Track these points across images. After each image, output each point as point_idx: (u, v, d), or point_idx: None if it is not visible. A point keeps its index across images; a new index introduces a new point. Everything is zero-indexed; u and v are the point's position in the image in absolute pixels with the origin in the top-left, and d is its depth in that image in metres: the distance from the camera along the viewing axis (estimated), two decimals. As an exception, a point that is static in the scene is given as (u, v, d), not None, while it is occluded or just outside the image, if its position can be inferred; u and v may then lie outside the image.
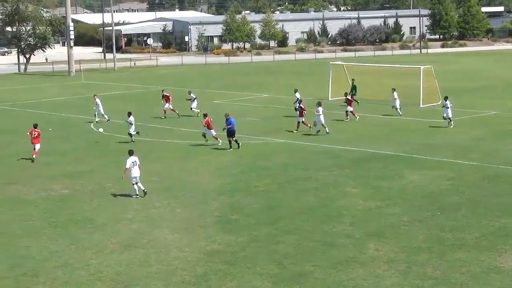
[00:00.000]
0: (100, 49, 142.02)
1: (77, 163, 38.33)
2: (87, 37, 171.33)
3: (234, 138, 41.11)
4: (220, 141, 41.69)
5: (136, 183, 30.82)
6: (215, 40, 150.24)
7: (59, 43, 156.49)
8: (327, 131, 44.91)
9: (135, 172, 30.76)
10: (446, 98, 47.48)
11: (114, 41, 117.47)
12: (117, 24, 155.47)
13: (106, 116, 52.36)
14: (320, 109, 45.01)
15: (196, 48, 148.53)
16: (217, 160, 38.50)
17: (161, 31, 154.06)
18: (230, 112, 43.66)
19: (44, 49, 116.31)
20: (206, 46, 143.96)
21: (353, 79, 58.71)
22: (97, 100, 52.71)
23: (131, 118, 43.95)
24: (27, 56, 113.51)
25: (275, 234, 25.36)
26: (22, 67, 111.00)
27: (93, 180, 34.08)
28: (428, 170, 34.85)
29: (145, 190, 30.98)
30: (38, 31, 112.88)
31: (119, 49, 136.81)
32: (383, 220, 26.94)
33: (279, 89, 71.76)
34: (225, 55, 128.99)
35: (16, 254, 23.76)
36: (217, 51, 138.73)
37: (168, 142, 44.21)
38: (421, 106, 55.75)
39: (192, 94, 54.78)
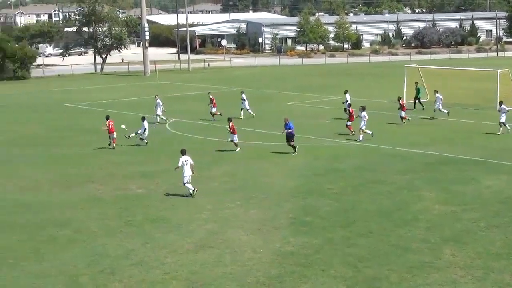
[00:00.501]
0: (174, 50, 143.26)
1: (152, 163, 38.74)
2: (161, 38, 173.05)
3: (292, 143, 40.39)
4: (239, 148, 41.15)
5: (184, 183, 31.11)
6: (289, 42, 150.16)
7: (135, 43, 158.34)
8: (370, 133, 44.22)
9: (187, 171, 31.04)
10: (501, 103, 46.93)
11: (188, 42, 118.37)
12: (192, 25, 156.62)
13: (164, 117, 52.79)
14: (365, 113, 44.46)
15: (270, 49, 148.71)
16: (291, 161, 38.48)
17: (235, 32, 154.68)
18: (301, 114, 43.66)
19: (120, 50, 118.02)
20: (279, 47, 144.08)
21: (416, 83, 57.98)
22: (158, 100, 53.17)
23: (145, 123, 43.75)
24: (103, 56, 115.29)
25: (349, 237, 25.24)
26: (99, 67, 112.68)
27: (168, 180, 34.36)
28: (505, 175, 34.26)
29: (193, 194, 31.09)
30: (114, 31, 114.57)
31: (193, 50, 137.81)
32: (459, 225, 26.58)
33: (352, 91, 71.27)
34: (298, 57, 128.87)
35: (93, 251, 24.12)
36: (291, 52, 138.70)
37: (241, 143, 44.30)
38: (497, 110, 54.79)
39: (243, 95, 54.57)
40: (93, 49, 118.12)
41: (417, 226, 26.38)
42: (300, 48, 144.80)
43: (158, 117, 52.51)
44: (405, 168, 36.07)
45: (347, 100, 51.88)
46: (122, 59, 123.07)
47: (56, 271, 22.25)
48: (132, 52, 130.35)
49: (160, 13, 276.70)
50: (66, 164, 38.94)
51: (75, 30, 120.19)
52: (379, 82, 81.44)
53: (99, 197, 31.56)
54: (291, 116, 45.30)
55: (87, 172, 36.80)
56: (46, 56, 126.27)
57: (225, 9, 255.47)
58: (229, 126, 41.14)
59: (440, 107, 52.40)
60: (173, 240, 25.22)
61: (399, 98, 51.29)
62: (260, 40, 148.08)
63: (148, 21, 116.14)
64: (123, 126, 45.12)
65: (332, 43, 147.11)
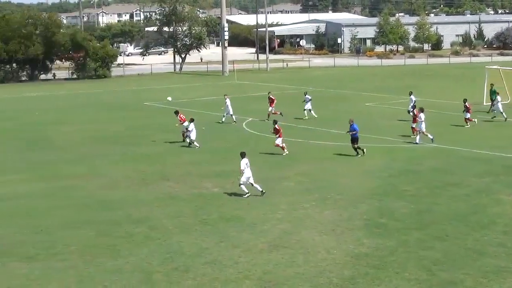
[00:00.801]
0: (253, 49, 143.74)
1: (228, 162, 38.87)
2: (241, 37, 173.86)
3: (356, 145, 39.84)
4: (286, 152, 40.60)
5: (252, 184, 31.23)
6: (368, 42, 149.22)
7: (214, 43, 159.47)
8: (431, 137, 43.23)
9: (248, 173, 31.22)
10: None
11: (267, 42, 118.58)
12: (271, 25, 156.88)
13: (234, 117, 52.95)
14: (422, 115, 43.57)
15: (349, 50, 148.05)
16: (367, 162, 38.21)
17: (314, 32, 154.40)
18: (378, 115, 43.23)
19: (199, 49, 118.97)
20: (358, 48, 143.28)
21: (492, 84, 56.91)
22: (227, 100, 53.33)
23: (192, 125, 43.73)
24: (183, 55, 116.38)
25: (425, 240, 24.92)
26: (178, 66, 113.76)
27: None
28: None
29: (263, 191, 31.32)
30: (193, 31, 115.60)
31: (272, 50, 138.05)
32: (538, 230, 26.03)
33: (431, 92, 70.51)
34: (377, 58, 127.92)
35: (168, 249, 24.33)
36: (370, 53, 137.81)
37: (318, 143, 44.24)
38: None
39: (307, 96, 54.38)
40: (172, 49, 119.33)
41: (494, 230, 25.91)
42: (379, 49, 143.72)
43: (233, 117, 52.76)
44: (483, 171, 35.47)
45: (413, 102, 51.20)
46: (201, 59, 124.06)
47: (131, 268, 22.53)
48: (211, 52, 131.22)
49: (240, 13, 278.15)
50: (143, 162, 39.41)
51: (156, 29, 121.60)
52: (459, 83, 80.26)
53: (175, 195, 31.84)
54: (369, 117, 45.12)
55: (164, 170, 37.18)
56: (127, 56, 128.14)
57: (305, 9, 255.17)
58: (274, 129, 40.83)
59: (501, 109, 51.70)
60: (247, 239, 25.28)
61: (465, 100, 50.34)
62: (339, 40, 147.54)
63: (228, 21, 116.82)
64: (169, 99, 44.89)
65: (412, 44, 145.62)
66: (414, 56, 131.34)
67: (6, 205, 30.62)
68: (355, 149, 39.89)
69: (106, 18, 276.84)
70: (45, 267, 22.76)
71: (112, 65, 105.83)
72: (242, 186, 31.43)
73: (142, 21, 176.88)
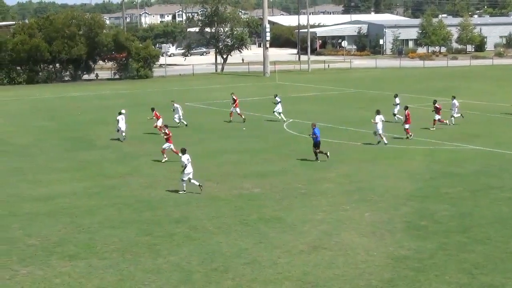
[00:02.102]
0: (294, 50, 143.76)
1: (268, 163, 38.93)
2: (282, 38, 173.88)
3: (317, 150, 39.14)
4: (166, 158, 40.09)
5: (190, 180, 32.13)
6: (410, 44, 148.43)
7: (255, 44, 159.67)
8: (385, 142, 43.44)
9: (190, 168, 32.04)
10: None
11: (309, 43, 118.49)
12: (313, 26, 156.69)
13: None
14: (378, 117, 43.33)
15: (391, 51, 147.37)
16: (407, 164, 38.01)
17: (355, 33, 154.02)
18: (420, 117, 42.88)
19: (241, 50, 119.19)
20: (400, 49, 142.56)
21: None
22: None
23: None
24: (224, 56, 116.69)
25: (466, 243, 24.72)
26: (219, 67, 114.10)
27: (284, 180, 34.50)
28: None
29: (201, 185, 32.28)
30: (235, 32, 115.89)
31: (313, 51, 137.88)
32: None
33: (474, 94, 69.98)
34: (420, 59, 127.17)
35: (207, 249, 24.40)
36: (412, 54, 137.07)
37: (359, 144, 44.09)
38: None
39: (277, 98, 54.60)
40: (214, 49, 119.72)
41: (537, 234, 25.63)
42: (421, 50, 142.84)
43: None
44: (527, 174, 35.12)
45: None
46: (243, 60, 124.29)
47: (170, 267, 22.63)
48: (252, 53, 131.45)
49: (282, 14, 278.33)
50: (184, 162, 39.54)
51: (198, 30, 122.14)
52: (502, 85, 79.48)
53: (215, 196, 31.92)
54: (411, 119, 44.83)
55: (204, 170, 37.25)
56: (169, 56, 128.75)
57: (347, 10, 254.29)
58: (165, 132, 40.49)
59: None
60: (287, 240, 25.27)
61: (434, 102, 49.97)
62: (381, 41, 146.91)
63: (270, 22, 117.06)
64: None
65: (455, 45, 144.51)
66: (457, 57, 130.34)
67: (50, 204, 30.92)
68: (316, 153, 39.23)
69: (149, 19, 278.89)
70: (86, 265, 22.97)
71: (154, 65, 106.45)
72: (183, 182, 32.31)
73: (184, 22, 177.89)
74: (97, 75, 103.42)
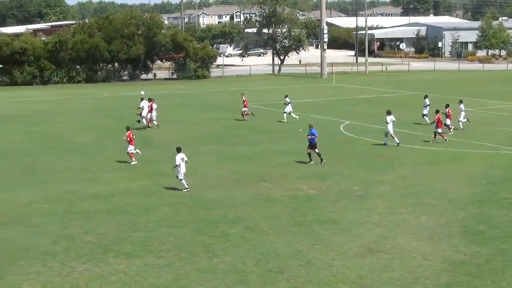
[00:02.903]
0: (352, 52, 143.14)
1: (325, 165, 38.77)
2: (340, 40, 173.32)
3: (309, 150, 38.88)
4: (134, 162, 39.91)
5: (181, 180, 32.78)
6: (469, 47, 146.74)
7: (313, 45, 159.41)
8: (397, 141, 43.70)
9: (183, 168, 32.76)
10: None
11: (366, 44, 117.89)
12: (371, 28, 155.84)
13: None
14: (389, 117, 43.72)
15: (449, 54, 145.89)
16: (465, 168, 37.57)
17: (414, 36, 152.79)
18: (479, 120, 42.34)
19: (298, 51, 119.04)
20: (459, 52, 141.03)
21: None
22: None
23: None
24: (282, 57, 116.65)
25: (524, 249, 24.37)
26: (276, 68, 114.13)
27: (340, 182, 34.38)
28: None
29: (189, 189, 32.70)
30: (293, 33, 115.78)
31: (371, 53, 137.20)
32: None
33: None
34: (479, 62, 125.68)
35: (262, 250, 24.40)
36: (471, 57, 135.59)
37: (416, 147, 43.72)
38: None
39: (287, 99, 55.59)
40: (271, 50, 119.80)
41: None
42: (481, 53, 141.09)
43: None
44: None
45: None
46: (300, 61, 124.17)
47: (225, 267, 22.69)
48: (310, 54, 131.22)
49: (340, 16, 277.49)
50: (239, 163, 39.65)
51: (255, 31, 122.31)
52: None
53: (271, 197, 31.92)
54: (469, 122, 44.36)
55: (260, 171, 37.34)
56: (226, 56, 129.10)
57: (405, 13, 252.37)
58: (126, 135, 40.21)
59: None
60: (342, 242, 25.17)
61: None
62: (439, 44, 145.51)
63: (327, 24, 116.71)
64: (142, 92, 45.71)
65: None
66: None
67: (108, 202, 31.24)
68: (309, 154, 38.98)
69: (207, 19, 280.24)
70: (141, 263, 23.15)
71: (212, 66, 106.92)
72: (182, 181, 32.92)
73: (242, 23, 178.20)
74: (155, 75, 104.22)
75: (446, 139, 44.95)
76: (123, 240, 25.67)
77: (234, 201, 31.19)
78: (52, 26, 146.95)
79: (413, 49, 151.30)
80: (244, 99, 57.14)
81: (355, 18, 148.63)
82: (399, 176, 35.71)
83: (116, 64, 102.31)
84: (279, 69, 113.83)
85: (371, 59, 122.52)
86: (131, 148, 40.04)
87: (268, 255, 23.79)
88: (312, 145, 38.93)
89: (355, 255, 23.81)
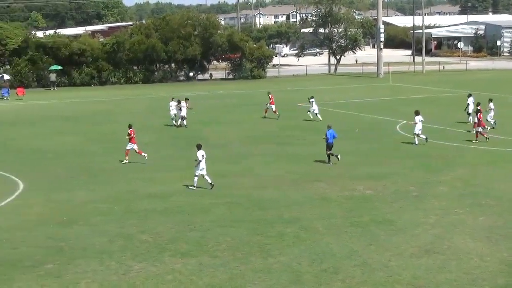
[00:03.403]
0: (409, 51, 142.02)
1: (381, 165, 38.61)
2: (397, 39, 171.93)
3: (328, 152, 38.86)
4: (126, 160, 40.45)
5: (203, 176, 33.40)
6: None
7: (369, 45, 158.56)
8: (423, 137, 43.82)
9: (203, 164, 33.25)
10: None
11: (424, 44, 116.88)
12: (428, 27, 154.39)
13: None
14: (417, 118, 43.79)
15: (509, 52, 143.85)
16: (525, 169, 37.08)
17: (472, 34, 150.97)
18: None
19: (354, 51, 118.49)
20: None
21: None
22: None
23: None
24: (338, 57, 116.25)
25: None
26: (332, 68, 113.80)
27: (397, 182, 34.15)
28: None
29: (212, 183, 33.39)
30: (349, 33, 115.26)
31: (428, 52, 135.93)
32: None
33: None
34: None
35: (317, 250, 24.34)
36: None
37: (475, 147, 43.25)
38: None
39: (312, 100, 57.07)
40: (328, 50, 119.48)
41: None
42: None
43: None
44: None
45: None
46: (356, 60, 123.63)
47: (280, 267, 22.68)
48: (366, 54, 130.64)
49: (396, 15, 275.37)
50: (296, 163, 39.63)
51: (311, 31, 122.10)
52: None
53: (326, 197, 31.85)
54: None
55: (316, 171, 37.27)
56: (282, 56, 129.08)
57: (463, 11, 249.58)
58: (128, 133, 40.76)
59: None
60: (398, 243, 24.99)
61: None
62: (498, 43, 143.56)
63: (384, 23, 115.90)
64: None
65: None
66: None
67: (164, 201, 31.48)
68: (328, 156, 38.97)
69: (263, 19, 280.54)
70: (197, 263, 23.27)
71: (267, 66, 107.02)
72: (195, 177, 33.47)
73: (298, 23, 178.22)
74: (211, 75, 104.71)
75: (487, 138, 44.49)
76: (179, 239, 25.83)
77: (290, 201, 31.19)
78: (109, 27, 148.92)
79: (471, 48, 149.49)
80: (271, 97, 58.74)
81: (412, 17, 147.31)
82: (456, 176, 35.34)
83: (172, 65, 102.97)
84: (335, 69, 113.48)
85: (428, 59, 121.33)
86: (131, 146, 40.66)
87: (323, 255, 23.73)
88: (328, 145, 38.99)
89: (411, 255, 23.63)
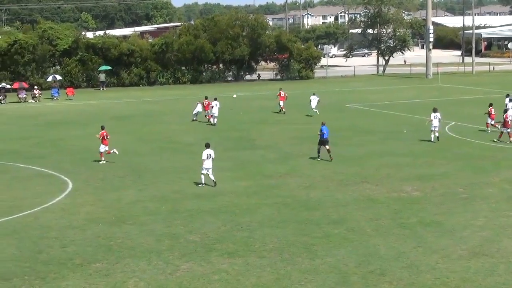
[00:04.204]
0: (458, 52, 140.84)
1: (429, 166, 38.34)
2: (446, 40, 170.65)
3: (327, 147, 40.28)
4: (103, 161, 40.99)
5: (209, 175, 34.24)
6: None
7: (418, 45, 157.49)
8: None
9: (208, 164, 34.00)
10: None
11: (473, 44, 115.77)
12: (478, 27, 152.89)
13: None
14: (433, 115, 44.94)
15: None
16: None
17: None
18: None
19: (403, 52, 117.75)
20: None
21: None
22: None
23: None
24: (386, 58, 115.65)
25: None
26: (381, 68, 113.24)
27: (445, 184, 33.88)
28: None
29: (215, 181, 34.16)
30: (398, 33, 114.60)
31: (478, 53, 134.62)
32: None
33: None
34: None
35: (364, 251, 24.25)
36: None
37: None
38: None
39: (314, 95, 60.74)
40: (376, 51, 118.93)
41: None
42: None
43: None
44: None
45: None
46: (405, 61, 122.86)
47: (327, 268, 22.64)
48: (415, 54, 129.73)
49: (446, 15, 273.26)
50: (343, 163, 39.50)
51: (360, 31, 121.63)
52: None
53: (373, 198, 31.71)
54: None
55: (363, 172, 37.11)
56: (330, 57, 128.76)
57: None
58: (99, 134, 41.36)
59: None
60: (446, 245, 24.78)
61: (490, 104, 47.88)
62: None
63: (433, 23, 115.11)
64: (234, 96, 47.45)
65: None
66: None
67: (211, 201, 31.59)
68: (318, 150, 40.71)
69: (311, 20, 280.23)
70: (244, 263, 23.32)
71: (316, 66, 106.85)
72: (202, 176, 34.36)
73: (346, 23, 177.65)
74: (259, 76, 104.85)
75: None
76: (226, 239, 25.91)
77: (337, 202, 31.11)
78: (158, 28, 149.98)
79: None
80: (279, 93, 63.19)
81: (461, 17, 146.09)
82: (506, 178, 34.97)
83: (220, 65, 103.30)
84: (384, 70, 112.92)
85: (478, 59, 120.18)
86: (102, 147, 41.22)
87: (370, 257, 23.63)
88: (322, 141, 40.35)
89: (459, 258, 23.42)
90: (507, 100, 52.61)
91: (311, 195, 32.39)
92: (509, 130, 44.79)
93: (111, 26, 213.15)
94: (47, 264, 23.61)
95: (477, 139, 45.62)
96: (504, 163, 38.70)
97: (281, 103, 62.35)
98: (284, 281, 21.68)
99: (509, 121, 44.83)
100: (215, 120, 55.91)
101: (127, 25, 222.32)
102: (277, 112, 62.55)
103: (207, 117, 57.68)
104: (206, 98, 59.34)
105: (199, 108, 58.74)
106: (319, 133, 40.45)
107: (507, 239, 25.35)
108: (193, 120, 58.36)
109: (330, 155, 40.15)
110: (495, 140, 45.13)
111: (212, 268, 22.85)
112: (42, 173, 38.77)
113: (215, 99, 57.31)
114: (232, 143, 47.35)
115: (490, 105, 49.12)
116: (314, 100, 60.02)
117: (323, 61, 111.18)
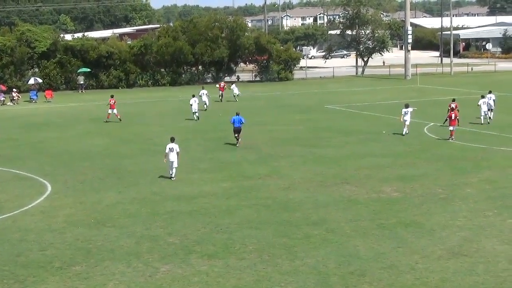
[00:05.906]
0: (437, 53, 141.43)
1: (409, 167, 38.47)
2: (424, 41, 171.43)
3: (235, 135, 45.76)
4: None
5: (171, 168, 36.06)
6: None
7: (397, 46, 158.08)
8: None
9: (172, 157, 35.66)
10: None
11: (452, 45, 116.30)
12: (456, 28, 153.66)
13: None
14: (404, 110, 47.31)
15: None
16: (554, 171, 36.76)
17: (501, 36, 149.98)
18: None
19: (382, 53, 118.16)
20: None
21: None
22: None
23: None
24: (365, 59, 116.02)
25: None
26: (360, 69, 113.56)
27: (425, 184, 33.98)
28: None
29: (173, 178, 36.01)
30: (377, 34, 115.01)
31: (456, 54, 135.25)
32: None
33: None
34: None
35: (344, 252, 24.27)
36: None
37: (502, 149, 42.95)
38: None
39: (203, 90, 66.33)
40: (355, 52, 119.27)
41: None
42: None
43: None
44: None
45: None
46: (384, 62, 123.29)
47: (307, 269, 22.63)
48: (394, 55, 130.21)
49: (424, 16, 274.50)
50: (323, 165, 39.56)
51: (339, 33, 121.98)
52: None
53: (353, 199, 31.75)
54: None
55: (343, 173, 37.18)
56: (309, 58, 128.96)
57: (492, 12, 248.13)
58: None
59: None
60: (425, 245, 24.86)
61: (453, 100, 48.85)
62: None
63: (412, 24, 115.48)
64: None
65: None
66: None
67: (191, 203, 31.52)
68: (236, 138, 45.77)
69: (290, 21, 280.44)
70: (224, 265, 23.28)
71: (295, 68, 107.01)
72: (173, 169, 36.19)
73: (325, 24, 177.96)
74: (238, 77, 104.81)
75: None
76: (205, 241, 25.86)
77: (317, 203, 31.13)
78: (137, 30, 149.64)
79: (499, 49, 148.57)
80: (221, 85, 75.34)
81: (440, 18, 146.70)
82: (485, 178, 35.13)
83: (200, 67, 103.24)
84: (363, 71, 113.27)
85: (456, 60, 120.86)
86: (111, 110, 46.94)
87: (350, 258, 23.66)
88: (234, 129, 45.63)
89: (439, 258, 23.49)
90: (481, 100, 52.93)
91: (291, 196, 32.40)
92: (451, 128, 45.41)
93: (90, 28, 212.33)
94: (26, 267, 23.49)
95: (456, 140, 45.74)
96: (483, 163, 38.87)
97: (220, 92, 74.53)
98: (264, 282, 21.66)
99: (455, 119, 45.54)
100: (197, 114, 60.09)
101: (106, 27, 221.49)
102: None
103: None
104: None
105: (195, 106, 60.30)
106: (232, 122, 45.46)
107: (485, 239, 25.46)
108: (196, 118, 60.13)
109: (237, 141, 45.72)
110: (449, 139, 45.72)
111: (192, 270, 22.80)
112: (20, 176, 38.56)
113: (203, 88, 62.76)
114: (213, 144, 47.33)
115: (453, 100, 51.19)
116: (235, 89, 74.79)
117: (302, 62, 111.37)
